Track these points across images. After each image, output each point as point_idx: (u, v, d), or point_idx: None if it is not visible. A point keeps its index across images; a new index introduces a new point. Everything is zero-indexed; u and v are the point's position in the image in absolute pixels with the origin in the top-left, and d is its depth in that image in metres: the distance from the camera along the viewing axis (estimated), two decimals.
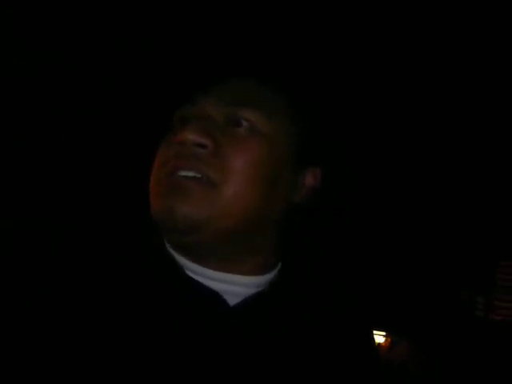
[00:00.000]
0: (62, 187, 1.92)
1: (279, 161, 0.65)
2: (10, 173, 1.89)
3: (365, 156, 2.29)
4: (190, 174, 0.60)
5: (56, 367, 0.54)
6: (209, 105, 0.65)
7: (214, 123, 0.64)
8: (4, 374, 0.53)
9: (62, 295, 0.58)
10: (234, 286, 0.65)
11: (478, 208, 2.74)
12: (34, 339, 0.55)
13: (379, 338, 2.36)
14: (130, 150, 1.85)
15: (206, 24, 1.81)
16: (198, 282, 0.63)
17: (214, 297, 0.63)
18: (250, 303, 0.65)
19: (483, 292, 2.84)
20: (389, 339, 2.37)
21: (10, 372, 0.53)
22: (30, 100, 1.97)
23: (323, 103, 0.75)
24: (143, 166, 0.70)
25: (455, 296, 2.81)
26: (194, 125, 0.62)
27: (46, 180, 1.93)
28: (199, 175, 0.60)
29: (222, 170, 0.61)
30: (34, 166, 2.03)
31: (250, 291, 0.66)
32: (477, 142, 2.46)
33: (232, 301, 0.64)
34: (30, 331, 0.55)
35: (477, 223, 2.77)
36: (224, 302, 0.63)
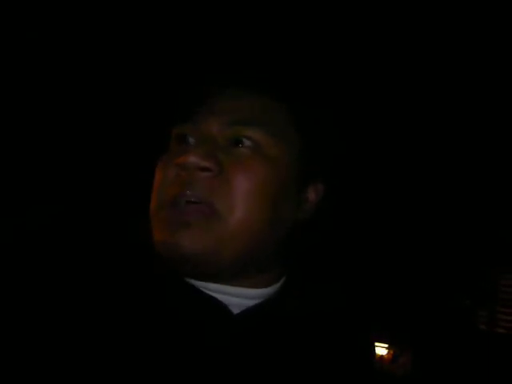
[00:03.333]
0: (60, 187, 1.91)
1: (284, 180, 0.63)
2: (8, 174, 1.88)
3: (366, 163, 2.28)
4: (193, 199, 0.58)
5: (54, 368, 0.53)
6: (209, 123, 0.62)
7: (216, 143, 0.61)
8: (3, 373, 0.52)
9: (64, 300, 0.56)
10: (237, 298, 0.64)
11: (480, 220, 2.73)
12: (31, 339, 0.53)
13: (382, 350, 2.34)
14: (126, 148, 1.84)
15: (206, 32, 1.80)
16: (200, 291, 0.62)
17: (217, 306, 0.62)
18: (252, 313, 0.64)
19: (486, 305, 2.83)
20: (391, 351, 2.35)
21: (9, 372, 0.52)
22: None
23: (326, 116, 0.73)
24: (140, 165, 0.68)
25: (458, 309, 2.79)
26: (195, 146, 0.60)
27: (45, 192, 1.92)
28: (202, 202, 0.58)
29: (226, 195, 0.58)
30: (34, 171, 2.02)
31: (253, 303, 0.64)
32: (483, 149, 2.45)
33: (234, 311, 0.63)
34: (26, 332, 0.54)
35: (479, 236, 2.77)
36: (227, 310, 0.62)
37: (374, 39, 1.95)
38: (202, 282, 0.62)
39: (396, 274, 2.70)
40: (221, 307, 0.62)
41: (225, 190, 0.58)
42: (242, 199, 0.58)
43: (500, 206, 2.66)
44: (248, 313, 0.63)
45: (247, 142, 0.61)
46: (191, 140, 0.63)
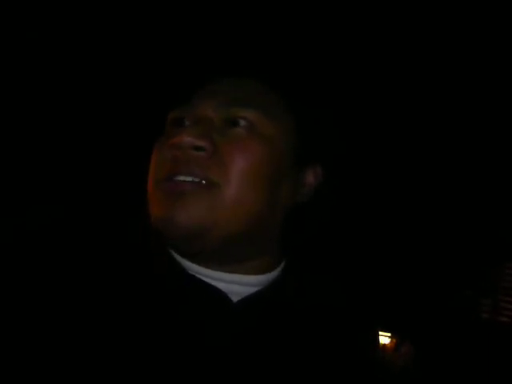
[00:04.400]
0: (60, 187, 1.92)
1: (280, 160, 0.63)
2: (9, 174, 1.89)
3: (367, 154, 2.27)
4: (188, 178, 0.58)
5: (54, 367, 0.53)
6: (205, 105, 0.62)
7: (211, 124, 0.61)
8: (3, 373, 0.52)
9: (63, 295, 0.56)
10: (236, 285, 0.63)
11: (481, 210, 2.72)
12: (31, 337, 0.54)
13: (384, 339, 2.35)
14: (126, 148, 1.84)
15: (202, 21, 1.79)
16: (200, 280, 0.62)
17: (217, 294, 0.62)
18: (252, 301, 0.63)
19: (489, 294, 2.82)
20: (394, 340, 2.35)
21: (9, 371, 0.52)
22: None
23: (322, 100, 0.73)
24: (140, 164, 0.68)
25: (461, 298, 2.79)
26: (190, 127, 0.60)
27: (43, 185, 1.92)
28: (197, 179, 0.58)
29: (222, 172, 0.58)
30: (34, 168, 2.02)
31: (252, 290, 0.64)
32: (480, 142, 2.44)
33: (234, 299, 0.63)
34: (27, 330, 0.54)
35: (481, 225, 2.76)
36: (227, 299, 0.62)
37: (369, 29, 1.94)
38: (201, 269, 0.62)
39: (399, 264, 2.69)
40: (220, 295, 0.61)
41: (220, 169, 0.58)
42: (237, 178, 0.58)
43: (501, 199, 2.65)
44: (248, 300, 0.63)
45: (243, 123, 0.61)
46: (187, 123, 0.63)
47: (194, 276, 0.62)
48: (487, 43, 1.94)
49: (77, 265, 0.59)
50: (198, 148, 0.58)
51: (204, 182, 0.58)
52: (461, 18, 1.84)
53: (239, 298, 0.63)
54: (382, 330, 2.27)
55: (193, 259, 0.63)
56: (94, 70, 2.00)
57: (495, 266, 2.85)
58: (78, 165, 2.06)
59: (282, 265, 0.70)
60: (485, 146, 2.46)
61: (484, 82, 2.14)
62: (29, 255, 0.58)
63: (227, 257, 0.62)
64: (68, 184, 1.96)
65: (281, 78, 0.68)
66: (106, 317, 0.56)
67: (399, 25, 1.92)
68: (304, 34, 1.75)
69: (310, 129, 0.68)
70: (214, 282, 0.62)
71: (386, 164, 2.52)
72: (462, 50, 2.00)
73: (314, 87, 0.73)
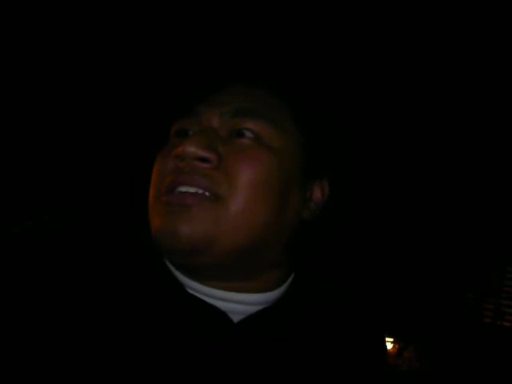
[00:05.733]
0: (61, 191, 1.91)
1: (288, 171, 0.60)
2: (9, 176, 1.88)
3: (370, 160, 2.27)
4: (192, 190, 0.56)
5: (49, 373, 0.51)
6: (209, 116, 0.61)
7: (216, 135, 0.59)
8: (3, 376, 0.51)
9: (66, 304, 0.54)
10: (240, 304, 0.61)
11: (484, 214, 2.72)
12: (30, 341, 0.52)
13: (387, 344, 2.34)
14: (127, 160, 1.83)
15: (206, 29, 1.79)
16: (200, 300, 0.59)
17: (216, 314, 0.59)
18: (254, 321, 0.61)
19: (491, 298, 2.82)
20: (397, 345, 2.34)
21: (8, 374, 0.51)
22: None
23: (330, 112, 0.70)
24: (141, 177, 0.66)
25: (463, 302, 2.79)
26: (194, 137, 0.58)
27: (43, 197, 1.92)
28: (201, 191, 0.56)
29: (228, 184, 0.56)
30: (35, 173, 2.02)
31: (255, 309, 0.62)
32: (482, 146, 2.44)
33: (235, 319, 0.60)
34: (26, 334, 0.52)
35: (484, 229, 2.75)
36: (227, 319, 0.59)
37: (373, 36, 1.94)
38: (201, 286, 0.60)
39: (401, 269, 2.69)
40: (220, 315, 0.59)
41: (226, 180, 0.56)
42: (244, 188, 0.56)
43: (505, 202, 2.65)
44: (250, 320, 0.61)
45: (248, 134, 0.59)
46: (191, 133, 0.61)
47: (191, 294, 0.60)
48: (487, 43, 1.94)
49: (81, 272, 0.57)
50: (202, 159, 0.56)
51: (208, 193, 0.56)
52: (461, 18, 1.84)
53: (241, 318, 0.60)
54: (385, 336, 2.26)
55: (192, 276, 0.60)
56: (98, 76, 1.99)
57: (496, 269, 2.85)
58: (80, 170, 2.05)
59: (288, 282, 0.67)
60: (487, 149, 2.46)
61: (484, 83, 2.13)
62: (27, 260, 0.57)
63: (229, 273, 0.60)
64: (68, 188, 1.95)
65: (288, 87, 0.66)
66: (102, 330, 0.54)
67: (410, 33, 1.92)
68: (312, 42, 1.74)
69: (314, 140, 0.65)
70: (212, 301, 0.60)
71: (386, 167, 2.52)
72: (464, 51, 2.00)
73: (322, 99, 0.71)
